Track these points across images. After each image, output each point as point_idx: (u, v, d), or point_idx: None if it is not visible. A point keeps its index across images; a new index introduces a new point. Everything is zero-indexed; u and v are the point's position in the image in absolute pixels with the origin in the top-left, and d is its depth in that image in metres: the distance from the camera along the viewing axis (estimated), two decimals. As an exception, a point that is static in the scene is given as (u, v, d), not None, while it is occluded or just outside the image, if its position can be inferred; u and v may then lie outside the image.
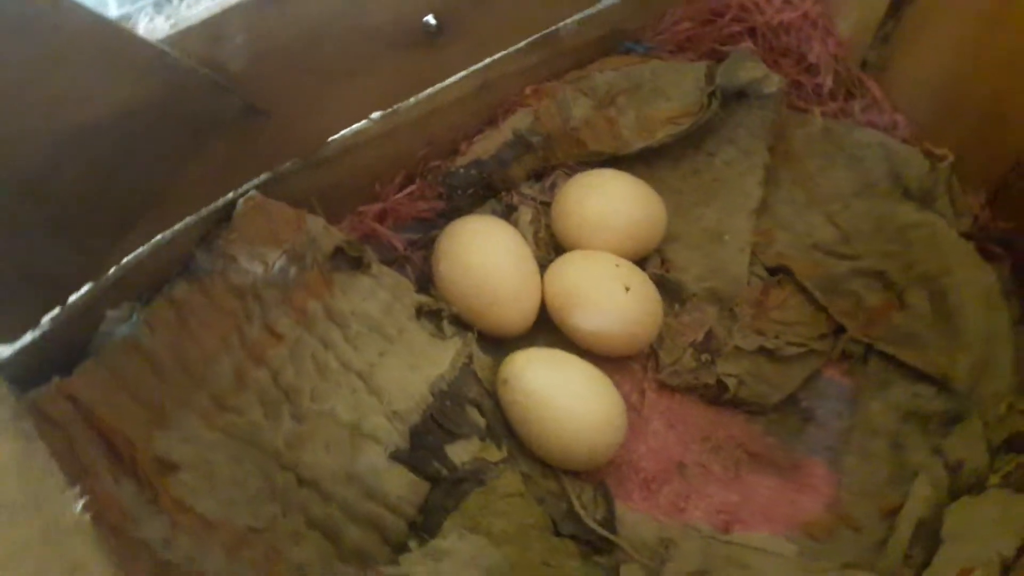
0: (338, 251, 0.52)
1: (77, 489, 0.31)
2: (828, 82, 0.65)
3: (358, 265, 0.52)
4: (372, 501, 0.45)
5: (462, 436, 0.48)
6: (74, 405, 0.41)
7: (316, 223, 0.51)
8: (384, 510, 0.45)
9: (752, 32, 0.66)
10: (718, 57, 0.64)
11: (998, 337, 0.57)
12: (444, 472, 0.46)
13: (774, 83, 0.62)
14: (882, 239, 0.61)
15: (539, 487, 0.49)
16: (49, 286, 0.41)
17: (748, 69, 0.62)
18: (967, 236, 0.60)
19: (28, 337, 0.42)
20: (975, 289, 0.58)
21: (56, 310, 0.43)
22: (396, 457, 0.46)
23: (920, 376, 0.57)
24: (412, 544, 0.43)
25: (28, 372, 0.42)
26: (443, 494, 0.46)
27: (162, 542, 0.40)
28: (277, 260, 0.49)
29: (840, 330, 0.60)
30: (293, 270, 0.50)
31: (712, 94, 0.61)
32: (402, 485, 0.45)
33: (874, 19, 0.63)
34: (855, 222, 0.62)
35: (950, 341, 0.58)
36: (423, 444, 0.47)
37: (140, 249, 0.45)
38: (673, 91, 0.62)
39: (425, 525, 0.45)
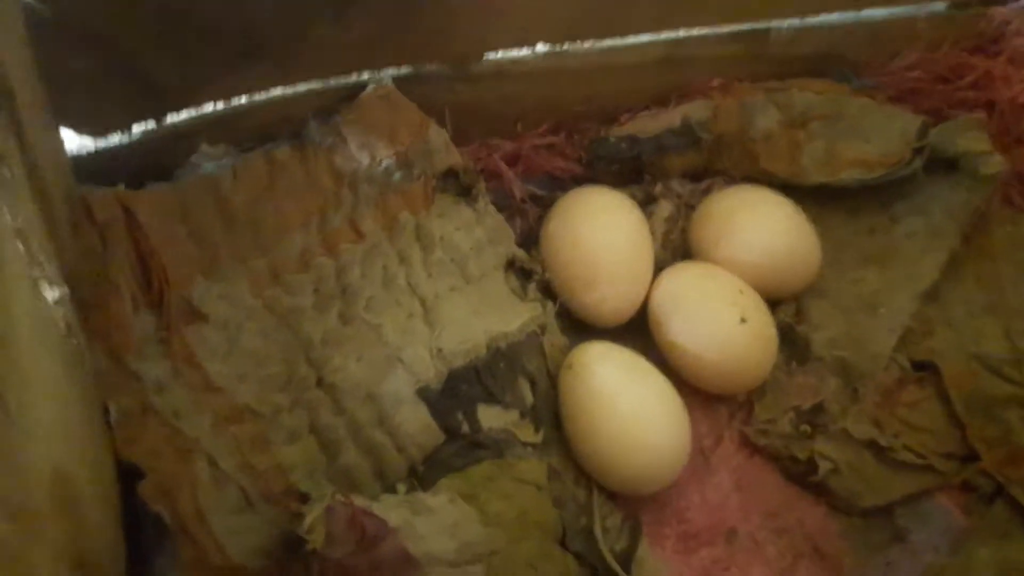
0: (451, 173, 0.48)
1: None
2: (1060, 184, 0.55)
3: (466, 194, 0.48)
4: (381, 429, 0.41)
5: (502, 403, 0.43)
6: (126, 216, 0.39)
7: (439, 136, 0.47)
8: (389, 443, 0.41)
9: (990, 106, 0.57)
10: (940, 119, 0.56)
11: None
12: (466, 429, 0.42)
13: (995, 164, 0.53)
14: (1061, 377, 0.51)
15: (564, 490, 0.44)
16: (150, 95, 0.40)
17: (970, 139, 0.53)
18: None
19: (115, 139, 0.41)
20: None
21: (151, 123, 0.42)
22: (423, 394, 0.42)
23: (1051, 544, 0.47)
24: (400, 488, 0.39)
25: (103, 175, 0.41)
26: (454, 451, 0.41)
27: (155, 385, 0.38)
28: (386, 159, 0.47)
29: (971, 458, 0.50)
30: (399, 174, 0.47)
31: (919, 151, 0.53)
32: (417, 425, 0.41)
33: None
34: (1036, 347, 0.52)
35: (1103, 518, 0.47)
36: (456, 393, 0.42)
37: (253, 96, 0.43)
38: (876, 135, 0.54)
39: (424, 476, 0.41)
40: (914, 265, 0.54)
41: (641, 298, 0.51)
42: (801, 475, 0.50)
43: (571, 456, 0.46)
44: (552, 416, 0.47)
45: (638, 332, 0.51)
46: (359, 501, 0.35)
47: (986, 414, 0.51)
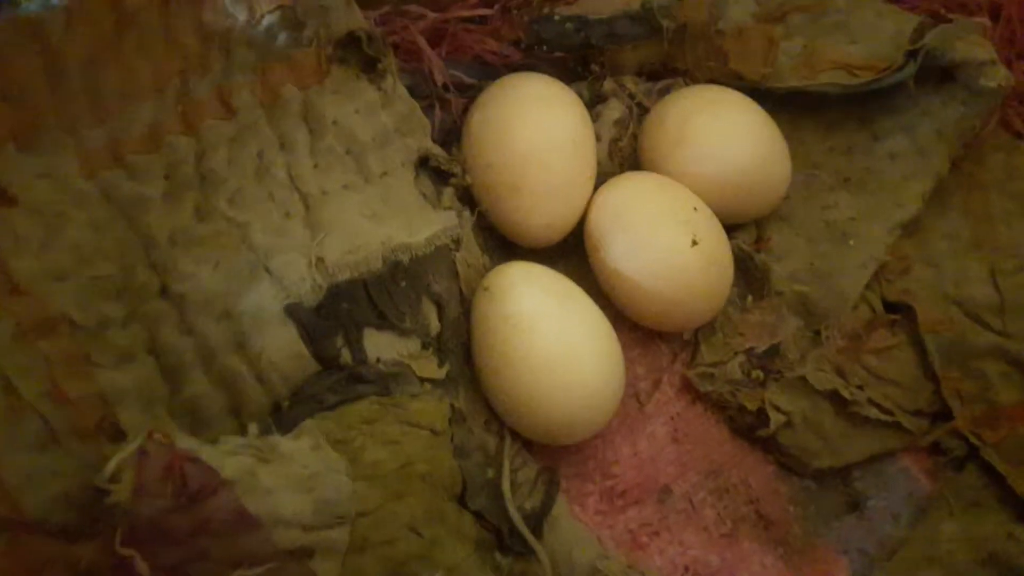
0: (353, 40, 0.39)
1: None
2: (1068, 108, 0.48)
3: (371, 69, 0.39)
4: (239, 355, 0.33)
5: (397, 329, 0.35)
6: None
7: (340, -8, 0.38)
8: (248, 371, 0.33)
9: (996, 11, 0.49)
10: (937, 23, 0.48)
11: None
12: (346, 359, 0.34)
13: (998, 76, 0.45)
14: (1049, 329, 0.45)
15: (469, 437, 0.36)
16: None
17: (971, 45, 0.45)
18: None
19: None
20: None
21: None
22: (293, 313, 0.33)
23: (1025, 515, 0.41)
24: (251, 428, 0.31)
25: None
26: (329, 385, 0.33)
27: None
28: (268, 15, 0.37)
29: (944, 415, 0.44)
30: (284, 36, 0.37)
31: (913, 54, 0.44)
32: (283, 350, 0.33)
33: None
34: (1022, 293, 0.45)
35: (1085, 490, 0.41)
36: (336, 313, 0.34)
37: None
38: (864, 33, 0.46)
39: (288, 414, 0.32)
40: (895, 192, 0.47)
41: (578, 214, 0.43)
42: (749, 428, 0.43)
43: (482, 396, 0.38)
44: (463, 348, 0.39)
45: (573, 255, 0.44)
46: (183, 443, 0.26)
47: (963, 366, 0.44)
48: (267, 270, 0.34)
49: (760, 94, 0.47)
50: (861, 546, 0.42)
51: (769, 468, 0.43)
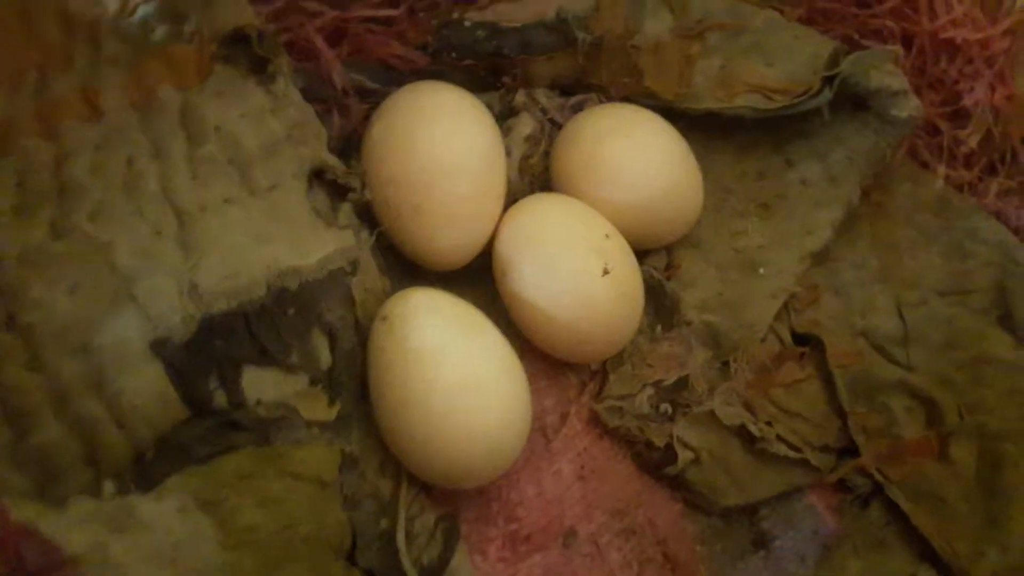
0: (240, 37, 0.35)
1: None
2: (972, 141, 0.48)
3: (260, 70, 0.35)
4: (96, 396, 0.29)
5: (281, 365, 0.31)
6: None
7: (225, -17, 0.34)
8: (107, 416, 0.29)
9: (908, 40, 0.49)
10: (852, 49, 0.47)
11: (1048, 552, 0.41)
12: (220, 402, 0.30)
13: (910, 107, 0.45)
14: (950, 361, 0.45)
15: (361, 484, 0.33)
16: None
17: (885, 74, 0.45)
18: (1062, 408, 0.43)
19: None
20: (1043, 477, 0.42)
21: None
22: (160, 349, 0.29)
23: (928, 554, 0.41)
24: (108, 487, 0.27)
25: None
26: (200, 434, 0.29)
27: None
28: (144, 4, 0.33)
29: (851, 451, 0.43)
30: (161, 30, 0.33)
31: (829, 80, 0.43)
32: (147, 392, 0.29)
33: (1071, 85, 0.46)
34: (926, 325, 0.46)
35: (985, 528, 0.42)
36: (211, 349, 0.30)
37: None
38: (780, 56, 0.45)
39: (152, 466, 0.28)
40: (805, 219, 0.46)
41: (486, 236, 0.40)
42: (656, 465, 0.42)
43: (377, 436, 0.35)
44: (358, 383, 0.35)
45: (480, 279, 0.41)
46: (20, 512, 0.22)
47: (869, 401, 0.44)
48: (132, 297, 0.30)
49: (673, 113, 0.45)
50: (767, 587, 0.41)
51: (676, 506, 0.42)
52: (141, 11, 0.33)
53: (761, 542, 0.42)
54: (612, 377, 0.42)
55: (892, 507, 0.42)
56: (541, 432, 0.40)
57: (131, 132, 0.32)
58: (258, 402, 0.30)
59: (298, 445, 0.30)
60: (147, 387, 0.29)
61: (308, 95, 0.38)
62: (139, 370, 0.29)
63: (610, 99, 0.46)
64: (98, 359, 0.29)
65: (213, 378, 0.30)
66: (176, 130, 0.33)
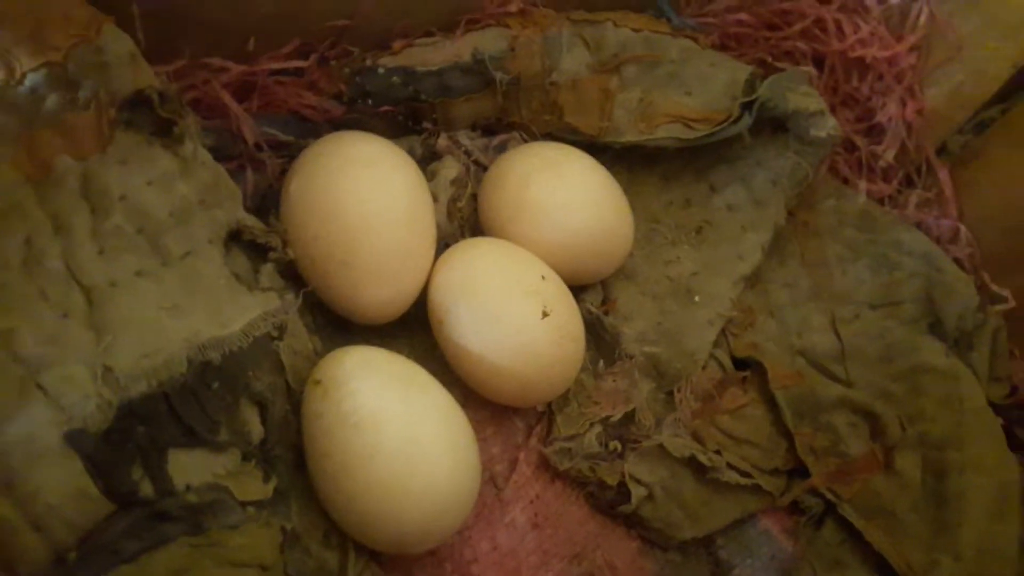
0: (142, 99, 0.33)
1: None
2: (889, 155, 0.49)
3: (165, 133, 0.33)
4: (6, 497, 0.26)
5: (209, 445, 0.29)
6: None
7: (120, 42, 0.32)
8: (19, 518, 0.26)
9: (819, 60, 0.50)
10: (766, 72, 0.47)
11: (998, 557, 0.41)
12: (147, 492, 0.28)
13: (828, 126, 0.45)
14: (886, 373, 0.45)
15: (306, 560, 0.31)
16: None
17: (801, 96, 0.45)
18: (997, 409, 0.44)
19: None
20: (987, 481, 0.42)
21: None
22: (74, 441, 0.27)
23: (886, 569, 0.41)
24: (29, 600, 0.25)
25: None
26: (125, 529, 0.27)
27: None
28: (32, 73, 0.30)
29: (800, 471, 0.43)
30: (53, 98, 0.31)
31: (747, 106, 0.44)
32: (64, 489, 0.27)
33: (976, 97, 0.47)
34: (861, 339, 0.46)
35: (936, 536, 0.42)
36: (131, 437, 0.28)
37: None
38: (698, 84, 0.45)
39: (73, 572, 0.26)
40: (735, 244, 0.46)
41: (419, 285, 0.39)
42: (610, 504, 0.41)
43: (318, 505, 0.33)
44: (294, 452, 0.33)
45: (415, 329, 0.40)
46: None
47: (814, 420, 0.44)
48: (40, 387, 0.27)
49: (596, 148, 0.45)
50: (731, 620, 0.40)
51: (632, 544, 0.41)
52: (30, 80, 0.30)
53: (720, 573, 0.41)
54: (559, 418, 0.41)
55: (845, 524, 0.42)
56: (491, 482, 0.39)
57: (27, 208, 0.30)
58: (187, 487, 0.28)
59: (234, 530, 0.28)
60: (64, 484, 0.26)
61: (219, 154, 0.36)
62: (53, 466, 0.26)
63: (533, 137, 0.45)
64: (7, 458, 0.26)
65: (136, 467, 0.28)
66: (78, 203, 0.31)
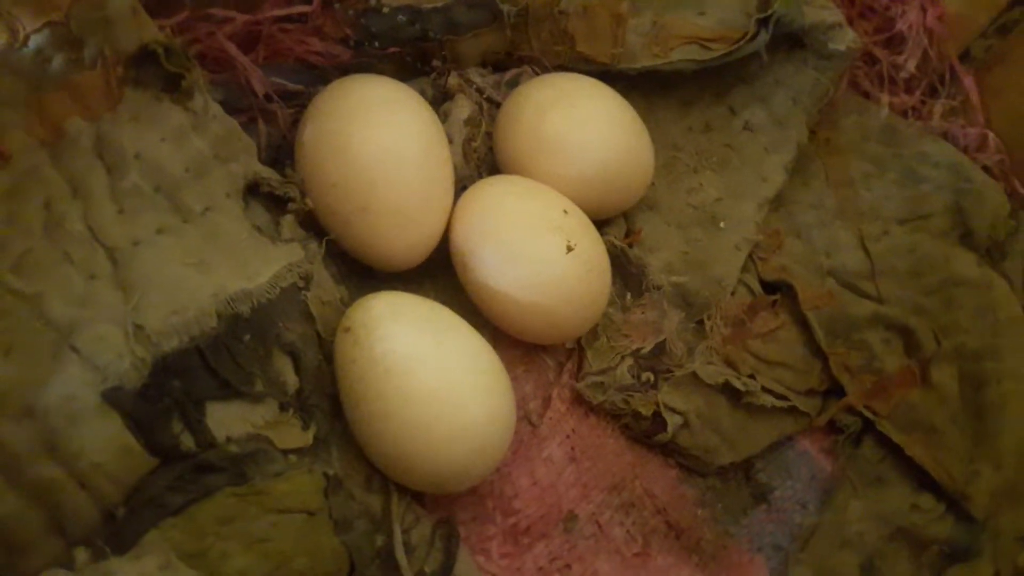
0: (147, 55, 0.32)
1: None
2: (911, 65, 0.48)
3: (174, 88, 0.33)
4: (52, 459, 0.26)
5: (245, 396, 0.30)
6: None
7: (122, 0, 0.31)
8: (66, 478, 0.26)
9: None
10: (779, -14, 0.46)
11: (1041, 463, 0.41)
12: (189, 446, 0.28)
13: (847, 39, 0.44)
14: (918, 287, 0.44)
15: (350, 504, 0.31)
16: None
17: (818, 9, 0.44)
18: (1034, 316, 0.43)
19: None
20: (1024, 389, 0.42)
21: None
22: (112, 399, 0.27)
23: (927, 483, 0.41)
24: (80, 555, 0.25)
25: None
26: (170, 483, 0.27)
27: None
28: (36, 34, 0.30)
29: (835, 391, 0.43)
30: (59, 59, 0.31)
31: (764, 22, 0.43)
32: (107, 446, 0.27)
33: (997, -1, 0.46)
34: (891, 255, 0.45)
35: (976, 447, 0.42)
36: (168, 391, 0.28)
37: None
38: (711, 3, 0.44)
39: (123, 527, 0.26)
40: (758, 166, 0.46)
41: (440, 229, 0.38)
42: (646, 434, 0.41)
43: (358, 453, 0.34)
44: (330, 400, 0.34)
45: (440, 273, 0.39)
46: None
47: (847, 339, 0.44)
48: (74, 349, 0.27)
49: (610, 76, 0.44)
50: (774, 541, 0.40)
51: (672, 472, 0.41)
52: (33, 42, 0.30)
53: (761, 495, 0.41)
54: (589, 353, 0.41)
55: (884, 441, 0.42)
56: (526, 420, 0.39)
57: (44, 173, 0.30)
58: (228, 439, 0.29)
59: (278, 478, 0.28)
60: (106, 442, 0.27)
61: (228, 108, 0.35)
62: (94, 425, 0.27)
63: (545, 70, 0.44)
64: (47, 420, 0.26)
65: (176, 421, 0.28)
66: (93, 164, 0.31)
